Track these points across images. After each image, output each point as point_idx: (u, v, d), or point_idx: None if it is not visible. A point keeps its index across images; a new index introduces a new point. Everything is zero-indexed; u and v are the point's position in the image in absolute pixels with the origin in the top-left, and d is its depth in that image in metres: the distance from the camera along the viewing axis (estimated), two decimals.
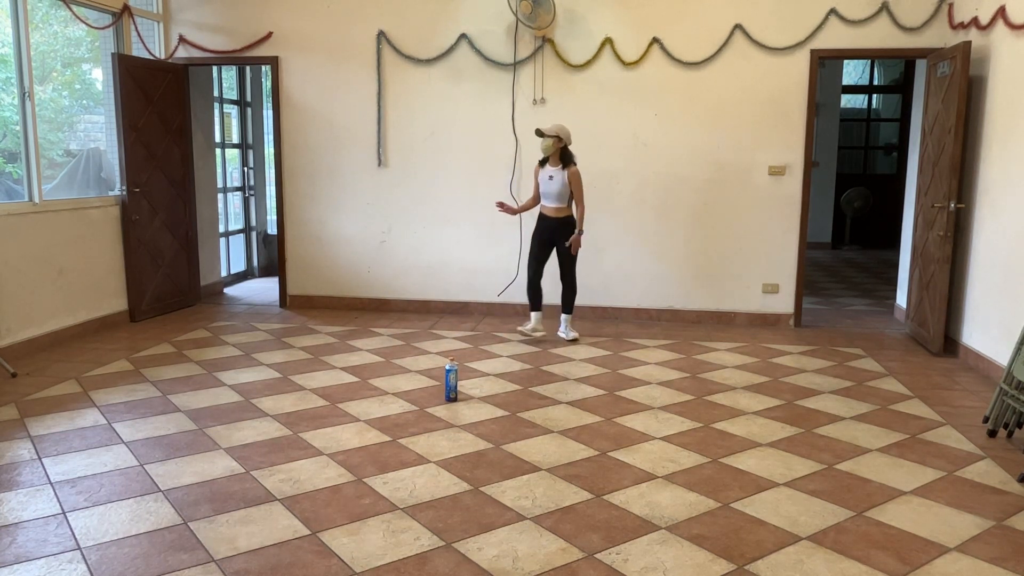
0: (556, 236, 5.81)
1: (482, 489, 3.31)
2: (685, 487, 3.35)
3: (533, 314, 6.00)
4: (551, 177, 5.71)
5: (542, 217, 5.85)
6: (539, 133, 5.67)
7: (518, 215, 6.19)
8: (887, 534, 2.95)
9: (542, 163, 5.81)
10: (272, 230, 8.96)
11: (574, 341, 5.91)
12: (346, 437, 3.90)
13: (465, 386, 4.77)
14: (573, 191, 5.72)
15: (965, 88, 5.36)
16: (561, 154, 5.69)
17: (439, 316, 6.82)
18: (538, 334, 5.97)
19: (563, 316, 5.99)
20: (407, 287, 6.99)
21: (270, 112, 8.03)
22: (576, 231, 5.74)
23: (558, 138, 5.62)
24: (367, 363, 5.28)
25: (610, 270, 6.74)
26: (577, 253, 5.83)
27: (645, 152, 6.54)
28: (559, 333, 6.01)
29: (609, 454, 3.71)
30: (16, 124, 5.52)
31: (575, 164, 5.72)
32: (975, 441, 3.95)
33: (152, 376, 4.92)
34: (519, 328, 6.01)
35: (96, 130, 6.94)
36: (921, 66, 6.59)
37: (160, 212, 6.74)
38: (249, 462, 3.57)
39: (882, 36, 6.15)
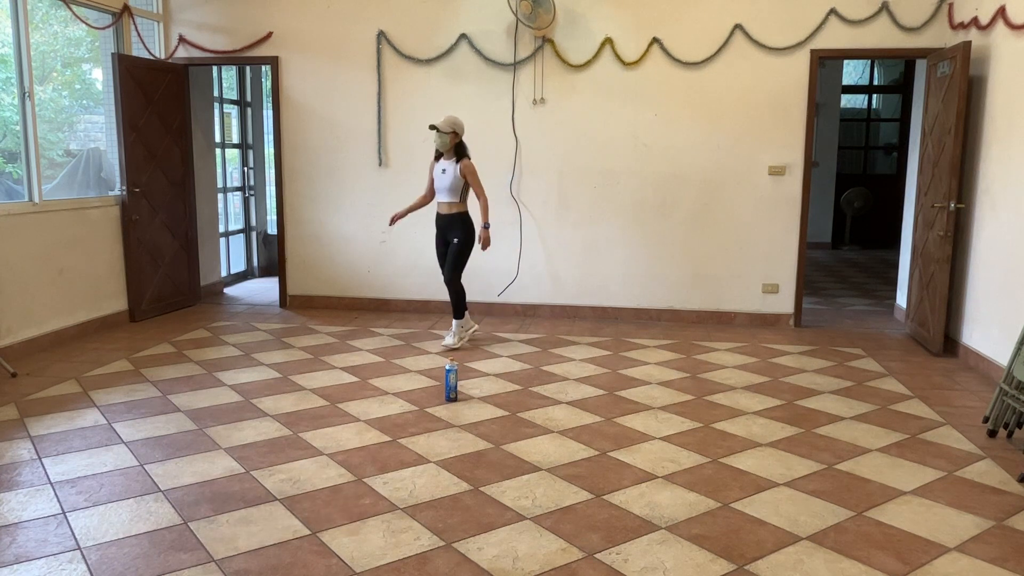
0: (448, 233, 5.63)
1: (482, 489, 3.31)
2: (685, 487, 3.35)
3: (456, 321, 5.73)
4: (444, 171, 5.53)
5: (437, 215, 5.69)
6: (434, 128, 5.47)
7: (406, 214, 5.87)
8: (887, 534, 2.95)
9: (437, 157, 5.63)
10: (272, 230, 8.96)
11: (453, 349, 5.60)
12: (346, 437, 3.90)
13: (465, 386, 4.77)
14: (470, 184, 5.54)
15: (965, 88, 5.36)
16: (456, 147, 5.52)
17: (439, 316, 6.82)
18: (471, 331, 5.82)
19: (454, 321, 5.71)
20: (407, 287, 6.99)
21: (270, 112, 8.03)
22: (482, 225, 5.56)
23: (454, 133, 5.47)
24: (367, 363, 5.28)
25: (610, 270, 6.74)
26: (487, 249, 5.69)
27: (645, 152, 6.54)
28: (443, 342, 5.71)
29: (609, 454, 3.71)
30: (16, 124, 5.52)
31: (468, 157, 5.54)
32: (975, 441, 3.95)
33: (152, 376, 4.92)
34: (444, 343, 5.71)
35: (96, 130, 6.94)
36: (921, 66, 6.59)
37: (160, 212, 6.74)
38: (249, 462, 3.57)
39: (882, 36, 6.15)
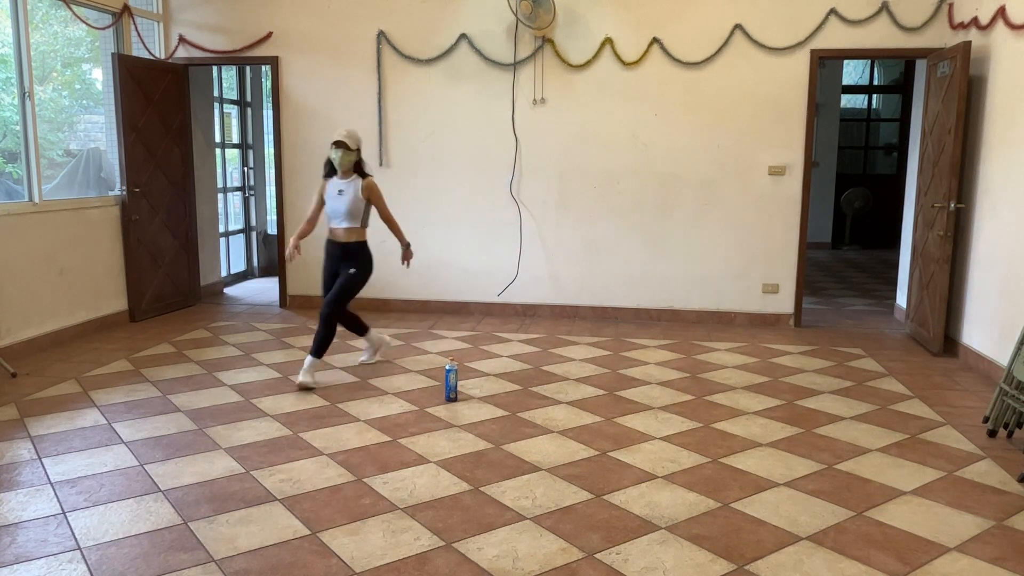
0: (342, 263, 4.84)
1: (482, 489, 3.31)
2: (685, 487, 3.35)
3: (364, 339, 5.22)
4: (341, 192, 4.73)
5: (330, 242, 4.89)
6: (340, 144, 4.67)
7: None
8: (887, 534, 2.95)
9: (328, 175, 4.84)
10: (272, 230, 8.96)
11: (307, 389, 4.66)
12: (346, 437, 3.90)
13: (465, 386, 4.76)
14: (376, 207, 4.86)
15: (965, 88, 5.36)
16: (355, 165, 4.78)
17: (439, 316, 6.82)
18: (387, 346, 5.34)
19: (309, 358, 4.78)
20: (407, 287, 6.99)
21: (270, 112, 8.03)
22: (404, 245, 5.03)
23: (358, 150, 4.77)
24: (367, 363, 5.28)
25: (610, 270, 6.74)
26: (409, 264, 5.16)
27: (645, 152, 6.54)
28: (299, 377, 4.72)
29: (609, 454, 3.71)
30: (16, 124, 5.52)
31: (370, 174, 4.86)
32: (975, 441, 3.95)
33: (152, 376, 4.92)
34: (361, 360, 5.25)
35: (96, 130, 6.94)
36: (921, 66, 6.59)
37: (160, 212, 6.74)
38: (249, 462, 3.57)
39: (882, 36, 6.15)
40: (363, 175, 4.81)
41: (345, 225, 4.79)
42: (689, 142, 6.48)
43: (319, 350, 4.76)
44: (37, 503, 3.15)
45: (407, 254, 5.08)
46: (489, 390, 4.71)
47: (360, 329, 5.14)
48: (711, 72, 6.39)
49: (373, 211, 4.92)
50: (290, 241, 4.89)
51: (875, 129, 12.67)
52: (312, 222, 4.96)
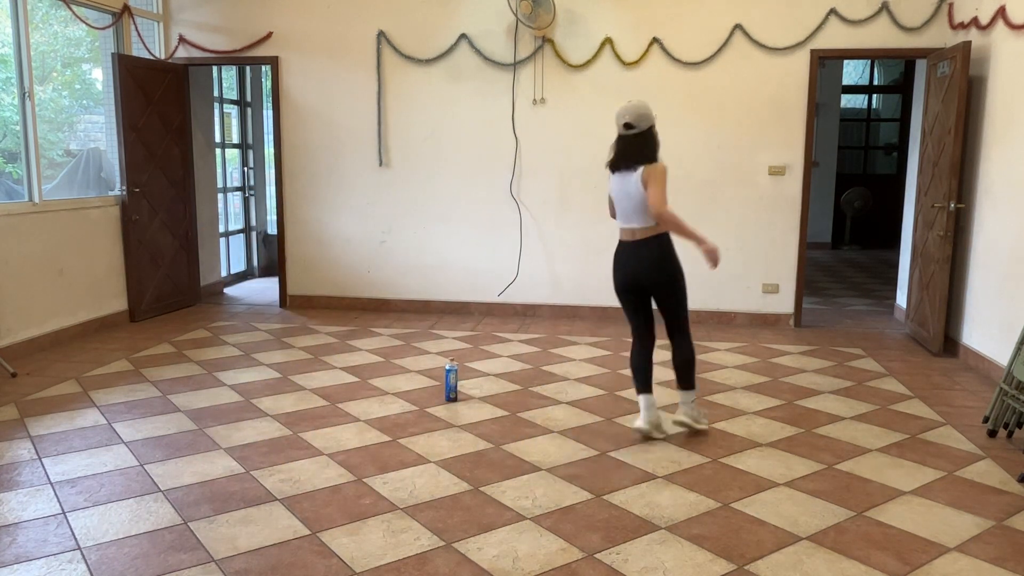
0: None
1: (482, 489, 3.31)
2: (685, 487, 3.35)
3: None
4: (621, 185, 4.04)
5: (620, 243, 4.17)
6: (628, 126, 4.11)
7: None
8: (887, 534, 2.95)
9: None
10: (272, 230, 8.96)
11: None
12: (346, 437, 3.90)
13: (465, 386, 4.76)
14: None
15: (965, 88, 5.36)
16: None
17: (439, 316, 6.82)
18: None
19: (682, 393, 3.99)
20: (407, 287, 6.99)
21: (270, 112, 8.03)
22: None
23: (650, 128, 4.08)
24: (367, 363, 5.28)
25: (610, 270, 6.72)
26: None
27: None
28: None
29: (609, 454, 3.71)
30: (16, 124, 5.52)
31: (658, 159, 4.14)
32: (975, 441, 3.95)
33: (152, 376, 4.92)
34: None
35: (96, 130, 6.94)
36: (921, 66, 6.59)
37: (160, 212, 6.74)
38: (249, 462, 3.57)
39: (882, 36, 6.15)
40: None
41: (636, 224, 4.05)
42: (689, 142, 6.48)
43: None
44: (37, 503, 3.15)
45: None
46: (489, 390, 4.70)
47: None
48: (711, 72, 6.38)
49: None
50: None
51: (875, 129, 12.67)
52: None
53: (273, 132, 7.04)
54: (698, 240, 3.97)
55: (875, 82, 12.41)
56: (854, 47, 6.21)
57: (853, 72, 12.45)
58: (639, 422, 3.90)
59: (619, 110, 4.15)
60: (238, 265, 8.69)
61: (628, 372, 5.12)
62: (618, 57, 6.45)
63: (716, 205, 6.52)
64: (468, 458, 3.65)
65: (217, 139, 7.99)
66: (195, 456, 3.64)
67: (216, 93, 7.93)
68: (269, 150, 8.78)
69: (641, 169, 3.96)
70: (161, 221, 6.76)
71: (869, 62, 12.03)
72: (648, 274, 4.05)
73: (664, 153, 6.79)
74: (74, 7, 5.92)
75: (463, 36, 6.58)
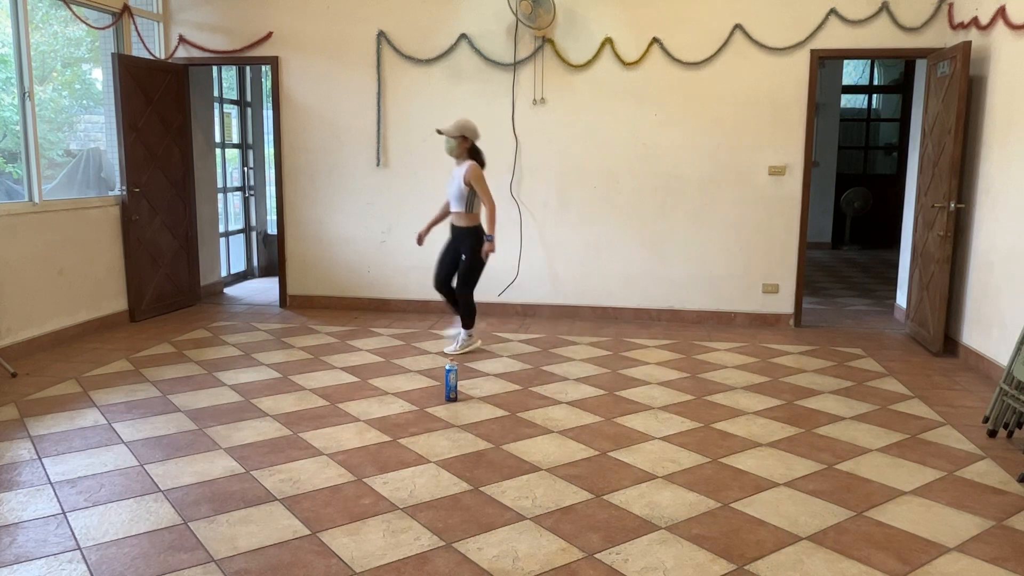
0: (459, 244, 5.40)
1: (482, 489, 3.31)
2: (685, 487, 3.35)
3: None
4: (452, 176, 5.31)
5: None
6: (440, 133, 5.27)
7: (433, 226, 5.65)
8: (887, 534, 2.95)
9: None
10: (272, 230, 8.96)
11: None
12: (346, 437, 3.90)
13: (465, 386, 4.76)
14: (476, 190, 5.26)
15: (965, 88, 5.36)
16: (469, 152, 5.28)
17: (439, 316, 6.82)
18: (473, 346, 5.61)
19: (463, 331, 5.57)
20: (407, 287, 6.99)
21: (270, 112, 8.03)
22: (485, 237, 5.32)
23: (463, 137, 5.23)
24: (367, 363, 5.28)
25: (610, 270, 6.74)
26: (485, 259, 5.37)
27: (645, 152, 6.54)
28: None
29: (609, 454, 3.71)
30: (16, 124, 5.52)
31: (480, 162, 5.31)
32: (975, 441, 3.95)
33: (152, 376, 4.92)
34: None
35: (96, 130, 6.94)
36: (921, 66, 6.59)
37: (160, 212, 6.74)
38: (249, 462, 3.57)
39: (882, 36, 6.15)
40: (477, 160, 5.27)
41: (455, 209, 5.29)
42: (689, 142, 6.48)
43: (468, 322, 5.55)
44: (37, 503, 3.15)
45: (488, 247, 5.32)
46: (489, 390, 4.71)
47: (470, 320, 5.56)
48: (711, 72, 6.39)
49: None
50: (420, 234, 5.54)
51: (875, 129, 12.67)
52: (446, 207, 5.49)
53: (273, 132, 7.04)
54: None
55: (875, 82, 12.41)
56: (854, 47, 6.21)
57: (853, 72, 12.45)
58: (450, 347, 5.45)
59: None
60: (238, 265, 8.69)
61: (628, 372, 5.12)
62: (618, 57, 6.45)
63: (716, 205, 6.52)
64: (468, 458, 3.65)
65: (217, 139, 7.99)
66: (195, 456, 3.64)
67: (216, 93, 7.93)
68: (269, 150, 8.78)
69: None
70: (161, 221, 6.76)
71: (869, 62, 12.03)
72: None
73: (665, 153, 6.80)
74: (74, 7, 5.92)
75: (463, 36, 6.58)
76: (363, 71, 6.76)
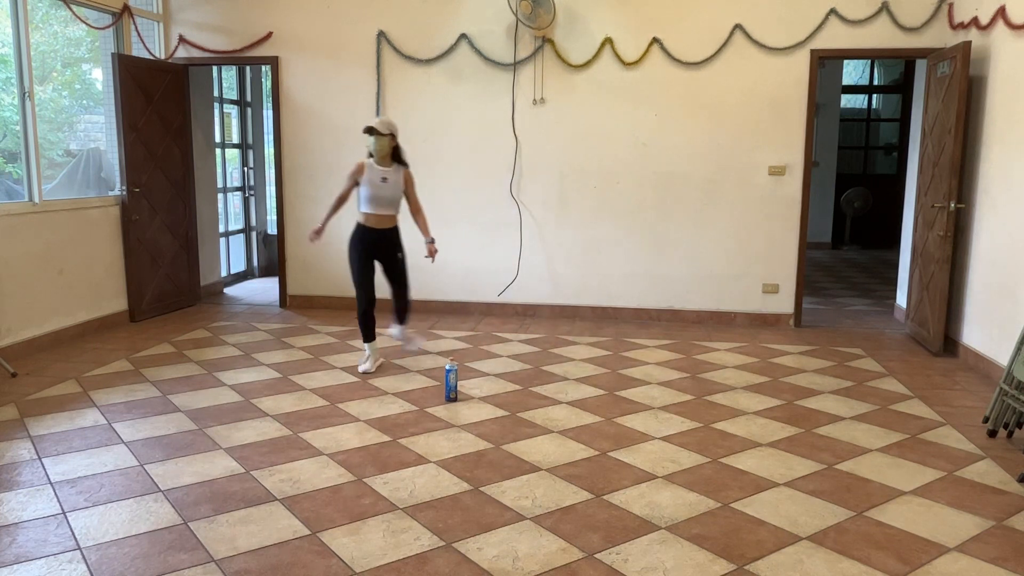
0: (390, 248, 5.10)
1: (482, 489, 3.31)
2: (685, 487, 3.35)
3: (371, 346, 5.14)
4: (385, 179, 4.95)
5: (369, 229, 5.00)
6: (371, 131, 4.89)
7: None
8: (887, 534, 2.95)
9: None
10: (272, 230, 8.96)
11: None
12: (346, 437, 3.90)
13: (465, 386, 4.76)
14: (410, 194, 5.13)
15: (965, 88, 5.36)
16: (395, 152, 5.04)
17: (439, 316, 6.82)
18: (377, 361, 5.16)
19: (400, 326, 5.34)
20: None
21: (270, 112, 8.03)
22: (428, 240, 5.16)
23: (392, 136, 4.96)
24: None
25: (610, 270, 6.74)
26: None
27: (645, 152, 6.54)
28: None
29: (609, 454, 3.71)
30: (16, 124, 5.52)
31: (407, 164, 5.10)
32: (975, 441, 3.95)
33: (152, 376, 4.92)
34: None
35: (96, 130, 6.94)
36: (921, 66, 6.59)
37: (160, 212, 6.74)
38: (249, 462, 3.57)
39: (882, 36, 6.15)
40: (403, 163, 5.07)
41: (390, 212, 5.04)
42: (689, 142, 6.48)
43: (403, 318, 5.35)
44: (37, 503, 3.15)
45: (432, 248, 5.19)
46: (489, 390, 4.71)
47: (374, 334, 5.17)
48: (711, 72, 6.39)
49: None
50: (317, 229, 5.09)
51: (875, 129, 12.67)
52: (342, 202, 5.11)
53: (273, 132, 7.04)
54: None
55: (875, 82, 12.41)
56: (854, 47, 6.21)
57: (853, 72, 12.45)
58: (368, 365, 5.05)
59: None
60: (238, 265, 8.69)
61: (628, 372, 5.12)
62: (618, 57, 6.45)
63: (716, 205, 6.52)
64: (468, 458, 3.65)
65: (217, 139, 7.99)
66: (195, 456, 3.64)
67: (216, 93, 7.93)
68: (269, 150, 8.78)
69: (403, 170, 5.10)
70: (161, 221, 6.76)
71: (869, 62, 12.03)
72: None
73: (665, 153, 6.81)
74: (74, 7, 5.92)
75: (463, 36, 6.58)
76: (363, 71, 6.76)
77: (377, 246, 5.05)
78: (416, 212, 5.19)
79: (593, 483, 3.38)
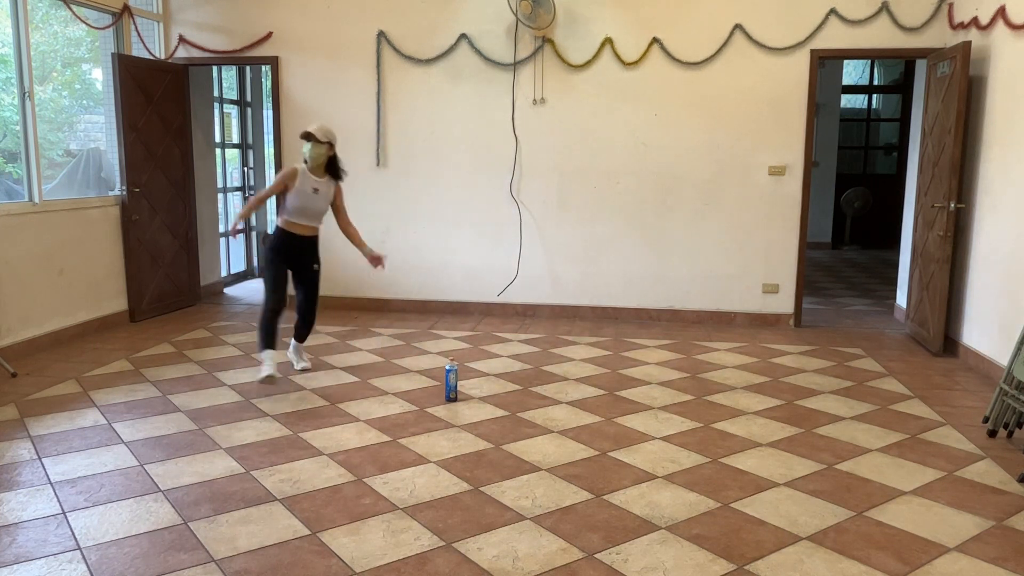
0: (307, 257, 4.87)
1: (482, 489, 3.31)
2: (685, 487, 3.35)
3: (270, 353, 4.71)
4: (317, 191, 4.69)
5: (294, 236, 4.77)
6: (309, 137, 4.62)
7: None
8: (887, 534, 2.95)
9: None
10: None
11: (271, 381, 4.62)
12: (346, 437, 3.90)
13: (465, 386, 4.76)
14: (341, 208, 4.92)
15: (965, 88, 5.36)
16: (331, 163, 4.75)
17: (439, 316, 6.82)
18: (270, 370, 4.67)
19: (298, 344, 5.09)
20: (407, 287, 6.99)
21: (270, 112, 8.03)
22: (372, 253, 4.98)
23: (330, 145, 4.68)
24: (367, 363, 5.28)
25: (610, 270, 6.74)
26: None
27: (645, 152, 6.54)
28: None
29: (609, 454, 3.71)
30: (16, 124, 5.52)
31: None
32: (975, 441, 3.95)
33: (152, 376, 4.92)
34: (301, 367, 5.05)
35: (96, 130, 6.94)
36: (921, 66, 6.59)
37: (160, 212, 6.74)
38: (249, 462, 3.57)
39: (882, 36, 6.15)
40: (338, 176, 4.83)
41: (316, 223, 4.85)
42: (689, 142, 6.48)
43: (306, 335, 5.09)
44: (37, 503, 3.15)
45: (376, 257, 4.98)
46: (489, 390, 4.71)
47: (276, 342, 4.78)
48: (711, 72, 6.39)
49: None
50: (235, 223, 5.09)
51: (875, 129, 12.67)
52: (264, 200, 4.94)
53: (273, 132, 7.04)
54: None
55: (875, 82, 12.41)
56: (854, 47, 6.21)
57: (853, 72, 12.45)
58: (267, 371, 4.58)
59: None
60: (238, 265, 8.68)
61: (628, 372, 5.12)
62: (618, 57, 6.45)
63: (716, 205, 6.52)
64: (468, 458, 3.65)
65: (217, 139, 7.99)
66: (195, 456, 3.64)
67: (216, 93, 7.93)
68: (269, 150, 8.78)
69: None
70: (161, 221, 6.76)
71: (869, 62, 12.03)
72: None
73: (665, 153, 6.81)
74: (74, 7, 5.92)
75: (463, 36, 6.58)
76: (363, 71, 6.76)
77: (297, 254, 4.82)
78: (347, 226, 4.94)
79: (593, 483, 3.38)
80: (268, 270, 4.81)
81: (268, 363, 4.60)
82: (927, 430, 4.11)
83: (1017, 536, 2.96)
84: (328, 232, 6.99)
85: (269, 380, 4.57)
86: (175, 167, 6.92)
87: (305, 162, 4.70)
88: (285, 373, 5.01)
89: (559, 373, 5.09)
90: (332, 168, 4.77)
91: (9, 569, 2.67)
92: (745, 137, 6.40)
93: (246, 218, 4.81)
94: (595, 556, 2.77)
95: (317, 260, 4.93)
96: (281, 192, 4.73)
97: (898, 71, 12.11)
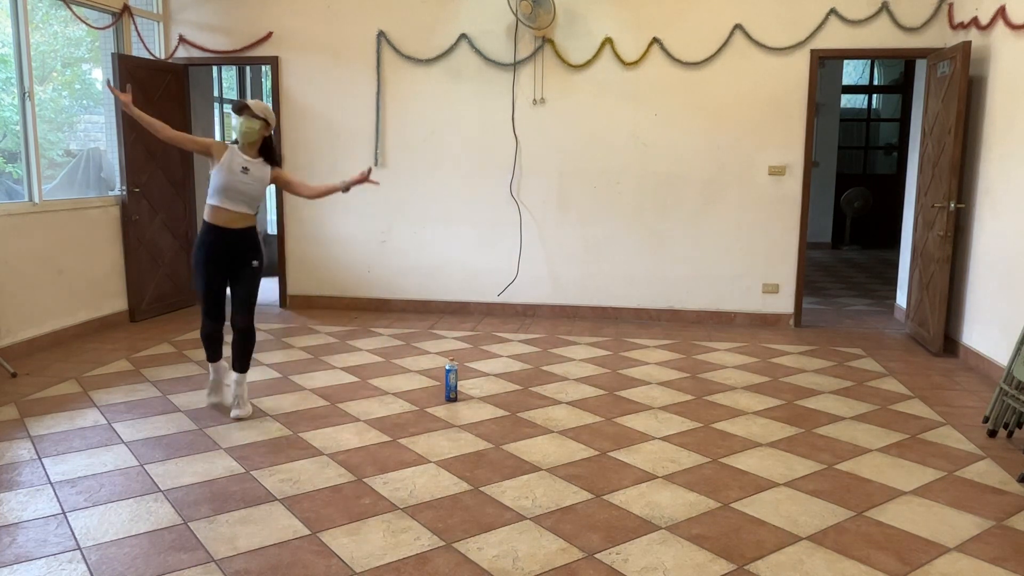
0: (243, 253, 4.13)
1: (482, 489, 3.31)
2: (685, 487, 3.35)
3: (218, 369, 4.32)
4: (246, 170, 4.04)
5: (220, 228, 4.04)
6: (244, 110, 4.03)
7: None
8: (887, 534, 2.95)
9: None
10: (272, 230, 8.95)
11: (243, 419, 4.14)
12: (346, 437, 3.90)
13: (465, 386, 4.76)
14: (292, 185, 4.32)
15: (965, 88, 5.36)
16: (265, 144, 4.17)
17: (439, 316, 6.82)
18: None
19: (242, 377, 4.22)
20: (407, 287, 6.99)
21: None
22: (344, 184, 4.34)
23: (266, 123, 4.09)
24: (367, 363, 5.28)
25: (610, 270, 6.74)
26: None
27: (645, 152, 6.54)
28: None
29: (609, 454, 3.71)
30: (16, 124, 5.52)
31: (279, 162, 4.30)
32: (975, 441, 3.95)
33: (152, 376, 4.92)
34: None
35: (96, 130, 6.94)
36: (921, 66, 6.59)
37: (160, 212, 6.74)
38: (249, 462, 3.57)
39: (882, 36, 6.15)
40: (273, 160, 4.20)
41: (245, 210, 4.08)
42: (689, 142, 6.48)
43: (247, 362, 4.23)
44: (37, 503, 3.15)
45: (359, 178, 4.36)
46: (489, 390, 4.71)
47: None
48: (711, 72, 6.38)
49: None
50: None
51: (875, 129, 12.67)
52: (165, 133, 4.08)
53: (273, 132, 7.03)
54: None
55: (875, 82, 12.41)
56: (854, 47, 6.21)
57: (853, 72, 12.45)
58: (210, 397, 4.32)
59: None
60: None
61: (628, 372, 5.12)
62: (618, 57, 6.45)
63: (716, 205, 6.52)
64: (468, 458, 3.65)
65: (217, 139, 7.98)
66: (195, 456, 3.64)
67: (216, 93, 7.93)
68: None
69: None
70: (161, 221, 6.76)
71: (869, 62, 12.03)
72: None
73: (665, 153, 6.81)
74: (74, 7, 5.92)
75: (463, 36, 6.58)
76: (363, 71, 6.76)
77: (227, 251, 4.07)
78: (310, 189, 4.34)
79: (593, 483, 3.38)
80: (197, 279, 4.15)
81: (211, 384, 4.26)
82: (927, 430, 4.10)
83: (1017, 536, 2.96)
84: (327, 228, 7.03)
85: (215, 406, 4.21)
86: (175, 167, 6.92)
87: (235, 140, 4.11)
88: (285, 373, 5.02)
89: (559, 373, 5.09)
90: (267, 152, 4.16)
91: (9, 569, 2.67)
92: (745, 137, 6.40)
93: (138, 116, 4.04)
94: (595, 556, 2.77)
95: (258, 255, 4.16)
96: (201, 154, 4.13)
97: (898, 71, 12.11)
